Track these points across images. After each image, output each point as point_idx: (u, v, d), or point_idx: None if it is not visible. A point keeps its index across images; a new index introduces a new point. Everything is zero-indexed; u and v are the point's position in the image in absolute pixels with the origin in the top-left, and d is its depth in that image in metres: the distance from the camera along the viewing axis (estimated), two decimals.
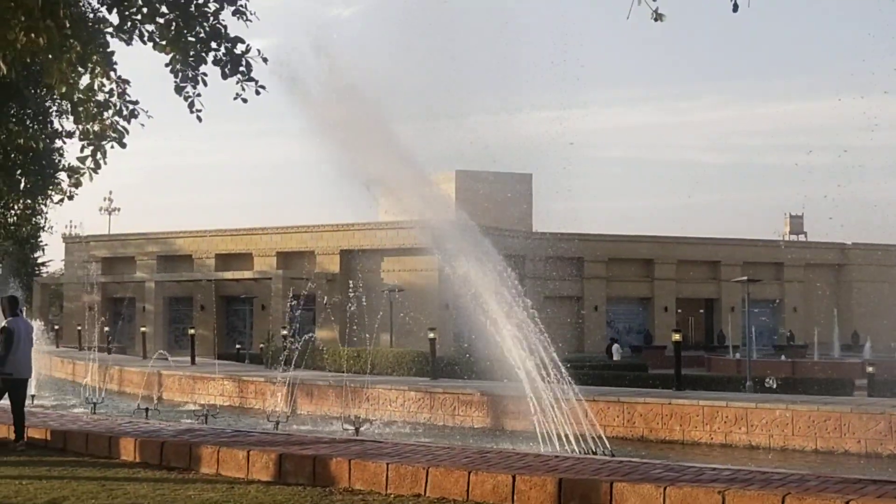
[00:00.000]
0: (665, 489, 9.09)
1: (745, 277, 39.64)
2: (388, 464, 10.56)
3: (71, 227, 75.69)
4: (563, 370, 15.81)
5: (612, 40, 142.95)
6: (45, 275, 79.26)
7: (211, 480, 11.30)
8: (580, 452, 14.57)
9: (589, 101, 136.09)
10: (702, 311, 69.32)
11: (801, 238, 76.29)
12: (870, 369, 27.25)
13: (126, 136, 8.32)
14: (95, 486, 10.88)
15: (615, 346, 51.96)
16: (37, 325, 40.45)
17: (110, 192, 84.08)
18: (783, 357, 49.79)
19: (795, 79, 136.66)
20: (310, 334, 31.36)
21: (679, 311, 66.05)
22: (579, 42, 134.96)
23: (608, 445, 15.18)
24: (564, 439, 15.10)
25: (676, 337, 23.57)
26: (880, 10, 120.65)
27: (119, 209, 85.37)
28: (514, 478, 9.77)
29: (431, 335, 27.09)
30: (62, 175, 25.34)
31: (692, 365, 43.73)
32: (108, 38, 8.30)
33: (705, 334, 68.42)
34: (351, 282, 25.36)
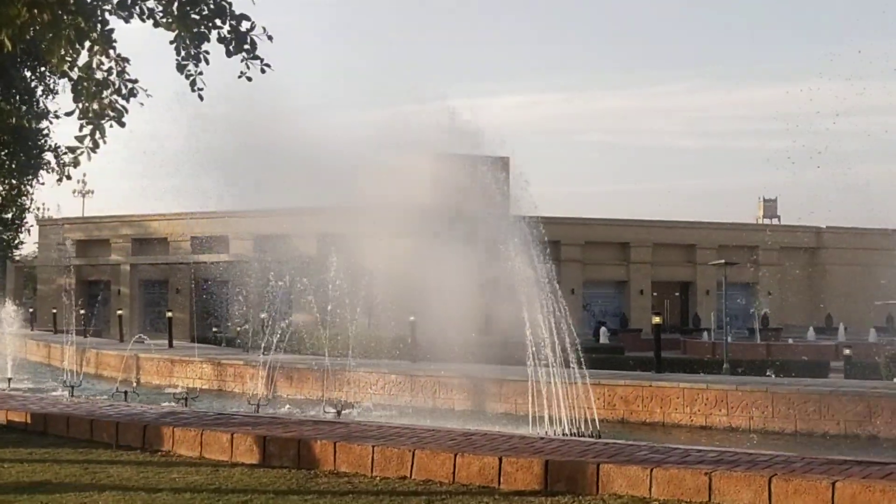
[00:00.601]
0: (652, 471, 9.11)
1: (722, 261, 39.81)
2: (373, 446, 10.53)
3: (44, 209, 75.16)
4: (580, 353, 15.93)
5: (589, 25, 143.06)
6: (18, 257, 78.73)
7: (195, 463, 11.25)
8: (566, 434, 14.62)
9: (566, 86, 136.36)
10: (677, 294, 69.66)
11: (775, 222, 76.68)
12: (847, 351, 27.46)
13: (125, 114, 8.26)
14: (78, 469, 10.81)
15: (602, 329, 52.29)
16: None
17: (84, 175, 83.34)
18: (758, 340, 50.12)
19: (771, 63, 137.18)
20: (288, 318, 31.26)
21: (655, 294, 66.35)
22: (558, 26, 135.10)
23: (598, 427, 15.26)
24: (556, 421, 15.16)
25: (657, 319, 23.67)
26: None
27: (92, 192, 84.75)
28: (500, 460, 9.78)
29: (412, 318, 27.09)
30: (48, 155, 25.12)
31: (668, 348, 43.83)
32: (107, 15, 8.21)
33: (680, 317, 68.77)
34: (331, 265, 25.27)
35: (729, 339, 38.61)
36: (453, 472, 9.93)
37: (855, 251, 66.76)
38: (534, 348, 16.12)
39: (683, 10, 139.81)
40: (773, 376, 23.41)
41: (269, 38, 8.63)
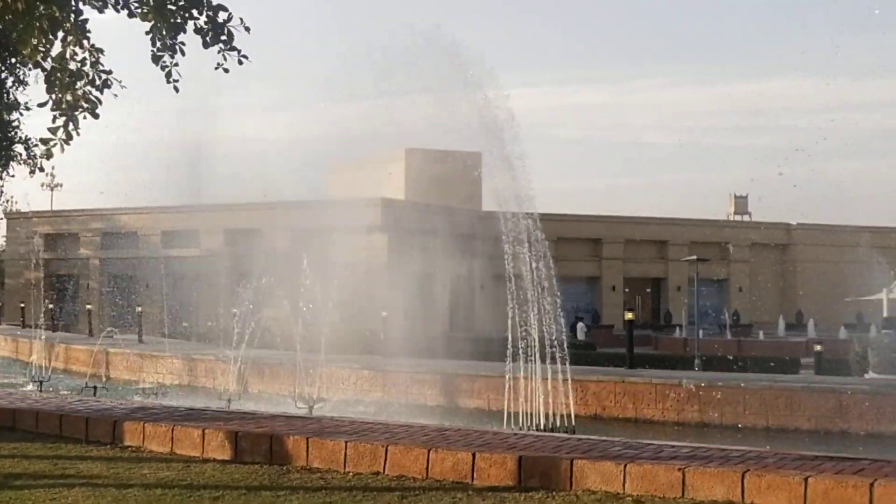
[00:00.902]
0: (625, 466, 9.11)
1: (694, 257, 39.98)
2: (346, 442, 10.47)
3: (12, 202, 74.48)
4: (564, 348, 16.00)
5: (564, 19, 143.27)
6: None
7: (166, 459, 11.15)
8: (540, 429, 14.64)
9: (540, 81, 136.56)
10: (649, 290, 69.92)
11: (746, 218, 77.10)
12: (817, 348, 27.62)
13: (99, 106, 8.15)
14: (48, 465, 10.70)
15: (580, 325, 52.37)
16: None
17: (52, 168, 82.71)
18: (729, 336, 50.41)
19: (744, 60, 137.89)
20: (259, 313, 31.11)
21: (626, 290, 66.55)
22: (532, 21, 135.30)
23: (572, 423, 15.30)
24: (530, 416, 15.22)
25: (629, 315, 23.72)
26: None
27: (61, 185, 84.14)
28: (473, 455, 9.74)
29: (384, 314, 27.02)
30: (19, 147, 24.84)
31: (640, 344, 43.93)
32: (81, 4, 8.10)
33: (652, 313, 69.03)
34: (303, 259, 25.16)
35: (700, 336, 38.84)
36: (427, 468, 9.88)
37: (825, 248, 67.28)
38: (511, 344, 16.16)
39: (658, 4, 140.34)
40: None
41: (247, 29, 8.54)
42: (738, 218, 76.89)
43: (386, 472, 10.03)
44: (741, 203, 77.43)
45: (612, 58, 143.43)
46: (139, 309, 39.65)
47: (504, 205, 17.33)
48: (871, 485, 8.13)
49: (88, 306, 48.77)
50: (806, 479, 8.37)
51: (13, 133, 25.42)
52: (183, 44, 8.54)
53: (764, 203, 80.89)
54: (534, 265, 16.87)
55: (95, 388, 22.20)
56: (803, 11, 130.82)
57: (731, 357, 31.48)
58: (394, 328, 29.81)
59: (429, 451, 9.96)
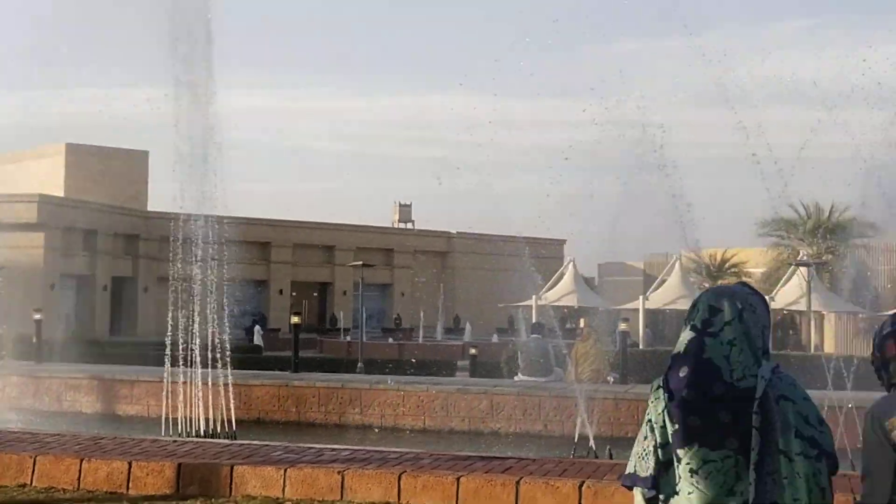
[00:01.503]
0: (286, 471, 9.19)
1: (360, 262, 40.77)
2: None
3: None
4: (226, 353, 15.80)
5: (232, 24, 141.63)
6: None
7: None
8: (201, 436, 14.46)
9: (196, 82, 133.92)
10: (316, 294, 70.56)
11: (410, 226, 79.44)
12: (472, 351, 28.87)
13: None
14: None
15: (257, 328, 52.03)
16: None
17: None
18: (391, 339, 51.80)
19: (411, 73, 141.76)
20: None
21: (294, 294, 66.79)
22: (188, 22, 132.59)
23: (234, 428, 15.20)
24: (191, 422, 15.00)
25: (296, 319, 23.77)
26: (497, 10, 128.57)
27: None
28: (130, 464, 9.50)
29: (37, 316, 25.60)
30: None
31: (306, 347, 44.33)
32: None
33: (318, 317, 69.67)
34: None
35: (364, 339, 39.67)
36: (79, 479, 9.52)
37: (482, 256, 70.35)
38: (172, 348, 15.87)
39: (323, 18, 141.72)
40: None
41: None
42: (402, 225, 79.09)
43: (34, 485, 9.58)
44: (405, 211, 79.68)
45: (279, 65, 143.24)
46: None
47: (180, 205, 17.00)
48: (518, 482, 8.65)
49: None
50: (458, 479, 8.78)
51: None
52: None
53: (427, 212, 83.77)
54: (202, 267, 16.68)
55: None
56: (468, 30, 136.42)
57: (392, 360, 32.43)
58: (49, 331, 28.36)
59: (81, 461, 9.60)
